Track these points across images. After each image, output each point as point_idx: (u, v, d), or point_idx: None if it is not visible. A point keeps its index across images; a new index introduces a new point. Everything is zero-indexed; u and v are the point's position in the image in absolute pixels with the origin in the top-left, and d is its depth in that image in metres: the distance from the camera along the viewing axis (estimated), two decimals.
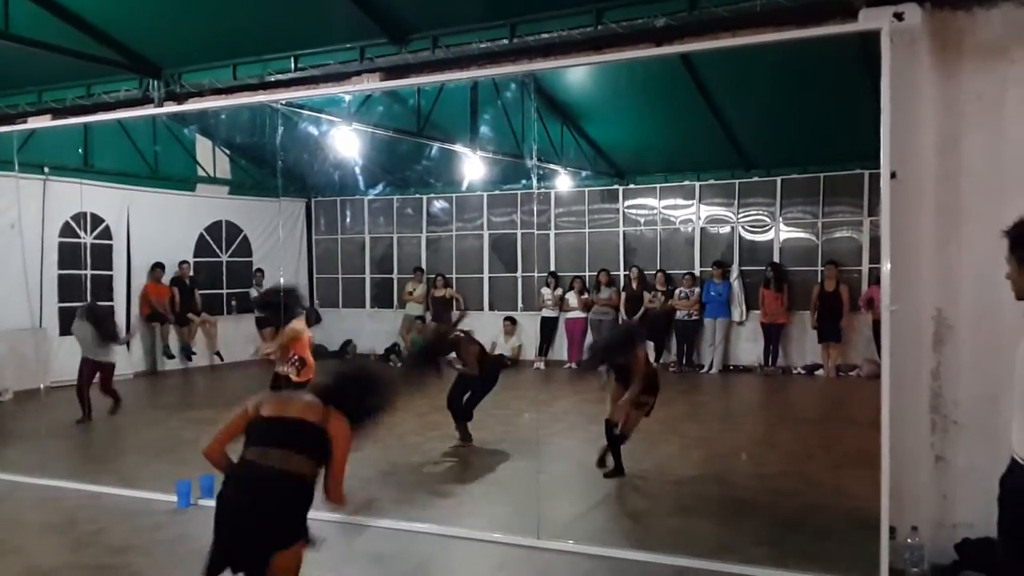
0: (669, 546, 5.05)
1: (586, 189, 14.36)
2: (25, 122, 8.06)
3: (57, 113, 8.03)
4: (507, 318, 14.30)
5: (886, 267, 4.47)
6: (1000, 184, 4.47)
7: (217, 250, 14.63)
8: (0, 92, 8.84)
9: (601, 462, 6.92)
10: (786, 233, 13.26)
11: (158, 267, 13.22)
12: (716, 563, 4.77)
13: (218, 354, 13.98)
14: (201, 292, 13.97)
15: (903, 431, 4.51)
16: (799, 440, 7.91)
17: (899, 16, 4.42)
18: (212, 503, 5.93)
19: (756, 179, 13.28)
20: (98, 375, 9.37)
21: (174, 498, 6.03)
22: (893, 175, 4.43)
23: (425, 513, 5.77)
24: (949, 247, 4.60)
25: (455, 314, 14.28)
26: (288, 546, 3.23)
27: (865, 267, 12.56)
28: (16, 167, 9.30)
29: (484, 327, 14.54)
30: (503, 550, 5.13)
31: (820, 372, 12.43)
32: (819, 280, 12.60)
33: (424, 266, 15.34)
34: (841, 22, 4.75)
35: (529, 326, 14.11)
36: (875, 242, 11.52)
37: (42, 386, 10.04)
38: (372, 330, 15.50)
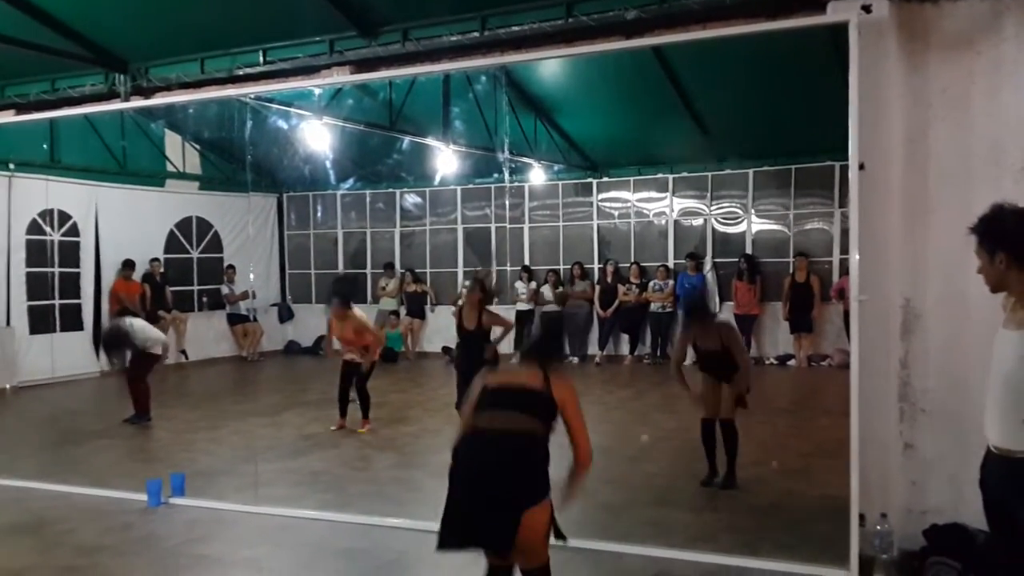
0: (644, 537, 5.08)
1: (560, 183, 14.38)
2: None
3: (21, 108, 7.87)
4: None
5: (855, 257, 4.52)
6: (966, 175, 4.52)
7: (187, 246, 14.47)
8: None
9: (713, 477, 6.27)
10: (758, 225, 13.35)
11: (128, 264, 13.05)
12: (691, 553, 4.80)
13: (183, 352, 13.80)
14: (172, 289, 13.82)
15: (872, 419, 4.56)
16: (771, 429, 7.97)
17: (867, 8, 4.45)
18: (183, 501, 5.96)
19: (728, 172, 13.37)
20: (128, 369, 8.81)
21: (144, 497, 5.96)
22: (861, 167, 4.46)
23: (398, 508, 5.74)
24: (916, 237, 4.64)
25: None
26: (535, 502, 3.23)
27: (836, 258, 12.70)
28: None
29: None
30: None
31: (792, 362, 12.56)
32: (791, 271, 12.72)
33: (398, 260, 15.28)
34: (810, 14, 4.78)
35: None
36: (846, 233, 11.62)
37: (8, 386, 9.92)
38: None
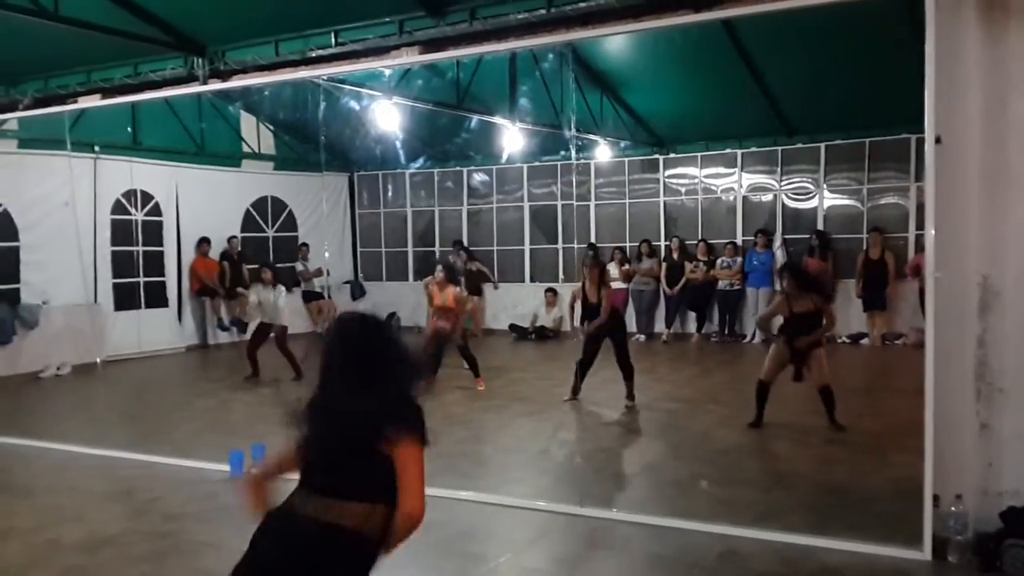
0: (711, 514, 5.09)
1: (626, 159, 14.28)
2: (76, 102, 8.23)
3: (106, 92, 8.19)
4: (548, 289, 14.34)
5: (931, 233, 4.43)
6: None
7: (263, 225, 14.86)
8: (51, 73, 9.06)
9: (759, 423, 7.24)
10: (830, 200, 13.06)
11: (204, 242, 13.48)
12: (757, 531, 4.79)
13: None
14: (248, 267, 14.19)
15: (948, 399, 4.47)
16: (843, 409, 7.85)
17: None
18: None
19: (799, 146, 13.08)
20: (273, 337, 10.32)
21: (227, 467, 6.20)
22: (938, 140, 4.36)
23: (467, 482, 5.84)
24: (995, 212, 4.51)
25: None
26: None
27: (912, 234, 12.36)
28: (68, 146, 9.57)
29: (525, 298, 14.62)
30: (545, 518, 5.21)
31: (865, 341, 12.30)
32: (864, 248, 12.42)
33: (466, 238, 15.41)
34: None
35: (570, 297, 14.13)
36: (922, 208, 11.32)
37: (98, 360, 10.37)
38: (415, 303, 15.62)
